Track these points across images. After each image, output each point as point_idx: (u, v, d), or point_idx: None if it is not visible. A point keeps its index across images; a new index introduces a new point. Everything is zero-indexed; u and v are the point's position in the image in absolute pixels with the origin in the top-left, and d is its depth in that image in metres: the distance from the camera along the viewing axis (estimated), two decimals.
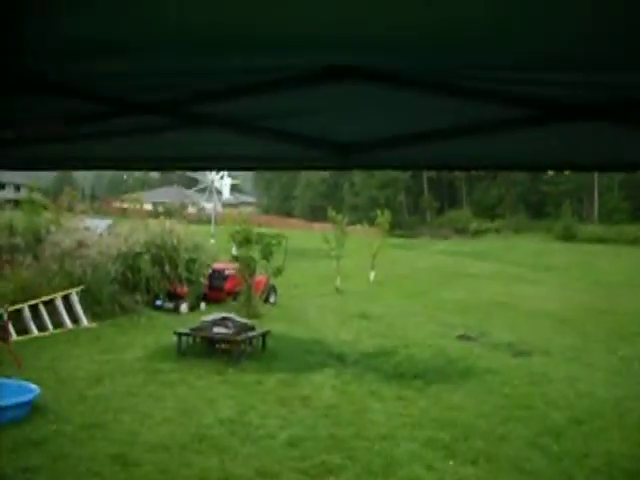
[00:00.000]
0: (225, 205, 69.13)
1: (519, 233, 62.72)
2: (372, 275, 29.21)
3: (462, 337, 16.36)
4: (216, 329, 12.97)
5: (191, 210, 79.05)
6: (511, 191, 72.52)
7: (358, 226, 38.92)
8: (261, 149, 3.17)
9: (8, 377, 10.45)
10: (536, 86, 2.27)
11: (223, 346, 13.05)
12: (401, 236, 58.89)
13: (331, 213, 27.91)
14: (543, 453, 8.41)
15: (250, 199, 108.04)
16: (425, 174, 76.92)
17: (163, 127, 2.97)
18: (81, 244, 17.76)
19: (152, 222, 21.14)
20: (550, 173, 67.05)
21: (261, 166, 3.72)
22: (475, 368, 12.82)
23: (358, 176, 79.23)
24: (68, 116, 2.88)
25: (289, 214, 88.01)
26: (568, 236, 58.72)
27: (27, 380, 9.96)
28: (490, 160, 3.04)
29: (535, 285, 29.59)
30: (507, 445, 8.64)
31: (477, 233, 65.39)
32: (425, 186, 77.92)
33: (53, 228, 19.13)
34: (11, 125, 3.02)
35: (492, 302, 23.40)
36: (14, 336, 13.89)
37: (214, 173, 37.49)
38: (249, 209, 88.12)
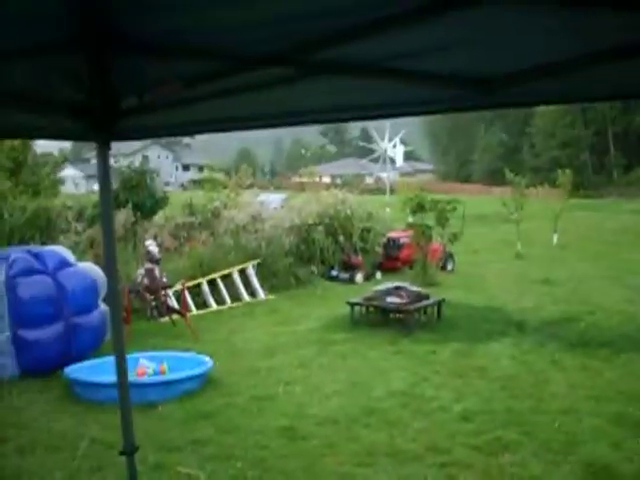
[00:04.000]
0: (402, 174, 68.92)
1: None
2: (555, 238, 27.99)
3: None
4: (389, 298, 12.71)
5: (369, 180, 79.45)
6: None
7: (539, 188, 37.49)
8: (392, 95, 2.80)
9: (186, 350, 10.74)
10: None
11: (397, 316, 12.79)
12: (586, 197, 56.20)
13: (509, 175, 26.90)
14: None
15: (427, 166, 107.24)
16: (610, 130, 72.93)
17: (280, 80, 2.68)
18: (255, 219, 18.08)
19: (324, 194, 21.19)
20: None
21: (394, 113, 3.35)
22: None
23: (538, 136, 76.35)
24: (186, 77, 2.66)
25: (468, 180, 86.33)
26: None
27: (203, 353, 10.15)
28: None
29: None
30: None
31: None
32: (611, 143, 73.72)
33: (229, 204, 19.63)
34: (134, 92, 2.85)
35: None
36: (194, 310, 14.34)
37: (386, 141, 37.24)
38: (426, 177, 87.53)
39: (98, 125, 2.72)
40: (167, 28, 2.28)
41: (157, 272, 13.28)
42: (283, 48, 2.32)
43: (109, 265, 3.41)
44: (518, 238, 25.43)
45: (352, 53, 2.41)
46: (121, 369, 3.57)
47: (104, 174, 2.96)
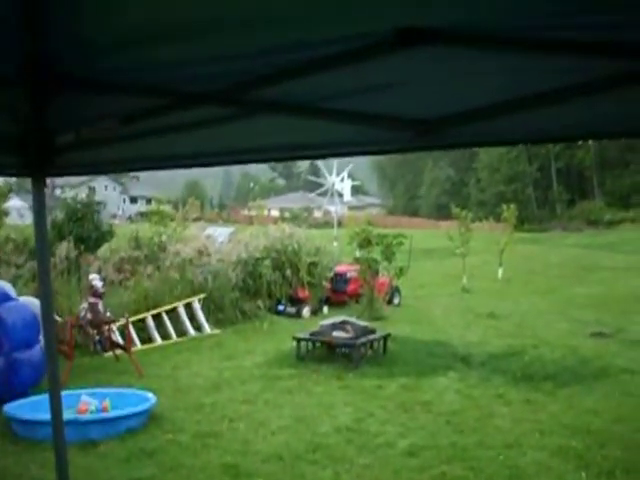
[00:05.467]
0: (350, 208, 69.19)
1: None
2: (500, 272, 28.35)
3: (596, 334, 15.44)
4: (335, 333, 12.70)
5: (317, 214, 79.65)
6: None
7: (485, 222, 38.04)
8: (331, 134, 2.81)
9: (129, 386, 10.56)
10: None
11: (343, 350, 12.77)
12: (530, 230, 57.18)
13: (455, 210, 27.30)
14: None
15: (375, 200, 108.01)
16: (554, 165, 74.55)
17: (219, 118, 2.67)
18: (202, 252, 17.96)
19: (272, 227, 21.19)
20: None
21: (330, 154, 3.37)
22: (611, 368, 12.00)
23: (484, 171, 77.62)
24: (123, 114, 2.63)
25: (415, 214, 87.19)
26: None
27: (147, 389, 10.00)
28: (587, 128, 2.57)
29: None
30: None
31: (611, 224, 62.48)
32: (554, 178, 75.35)
33: (176, 238, 19.48)
34: (71, 128, 2.81)
35: (629, 296, 22.09)
36: (138, 345, 14.13)
37: (334, 175, 37.39)
38: (374, 210, 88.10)
39: (33, 161, 2.68)
40: (105, 65, 2.26)
41: (101, 306, 13.05)
42: (221, 86, 2.31)
43: (44, 300, 3.33)
44: (464, 272, 25.70)
45: (290, 92, 2.42)
46: (55, 406, 3.47)
47: (39, 210, 2.90)
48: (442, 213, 71.09)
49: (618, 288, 24.36)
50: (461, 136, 2.64)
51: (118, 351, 12.87)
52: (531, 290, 24.90)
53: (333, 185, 38.05)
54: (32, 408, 8.83)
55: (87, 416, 8.83)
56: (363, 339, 12.54)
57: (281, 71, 2.17)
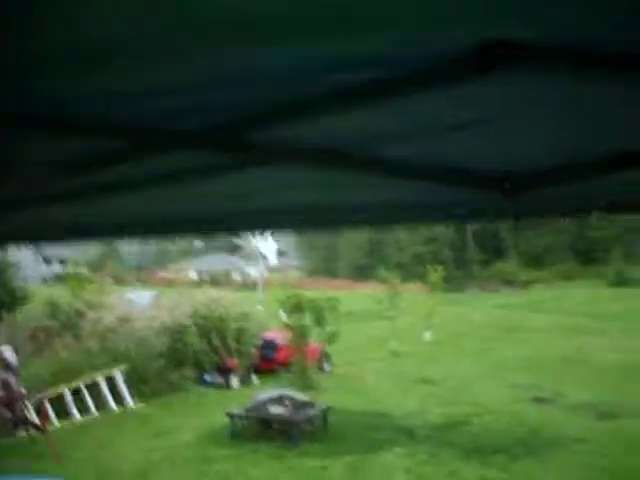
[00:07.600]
0: (270, 270, 68.57)
1: (569, 281, 60.92)
2: (428, 335, 27.96)
3: (537, 400, 15.05)
4: (272, 408, 11.84)
5: (235, 277, 78.65)
6: (558, 239, 70.68)
7: (408, 284, 37.89)
8: (372, 193, 2.11)
9: (44, 472, 9.46)
10: None
11: (281, 427, 11.90)
12: (449, 291, 57.40)
13: (382, 272, 26.98)
14: None
15: (294, 262, 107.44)
16: (469, 227, 75.67)
17: (203, 169, 1.95)
18: (123, 319, 16.93)
19: (197, 292, 20.31)
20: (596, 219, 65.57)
21: (366, 222, 2.67)
22: (561, 437, 11.53)
23: (402, 232, 78.07)
24: (64, 162, 1.89)
25: (334, 275, 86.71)
26: (620, 281, 56.63)
27: (64, 475, 8.94)
28: None
29: (598, 335, 27.98)
30: None
31: (526, 284, 63.61)
32: (470, 239, 76.50)
33: (95, 303, 18.43)
34: (8, 180, 2.06)
35: (558, 357, 22.04)
36: (56, 423, 12.97)
37: (257, 237, 36.71)
38: (294, 272, 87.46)
39: None
40: (42, 95, 1.55)
41: (14, 382, 11.90)
42: (209, 123, 1.60)
43: None
44: (392, 335, 25.20)
45: (313, 134, 1.72)
46: None
47: None
48: (361, 274, 71.01)
49: (546, 349, 24.29)
50: (562, 198, 1.96)
51: (33, 431, 11.71)
52: (462, 352, 24.55)
53: (256, 247, 37.34)
54: None
55: None
56: (302, 415, 11.72)
57: (299, 103, 1.48)
